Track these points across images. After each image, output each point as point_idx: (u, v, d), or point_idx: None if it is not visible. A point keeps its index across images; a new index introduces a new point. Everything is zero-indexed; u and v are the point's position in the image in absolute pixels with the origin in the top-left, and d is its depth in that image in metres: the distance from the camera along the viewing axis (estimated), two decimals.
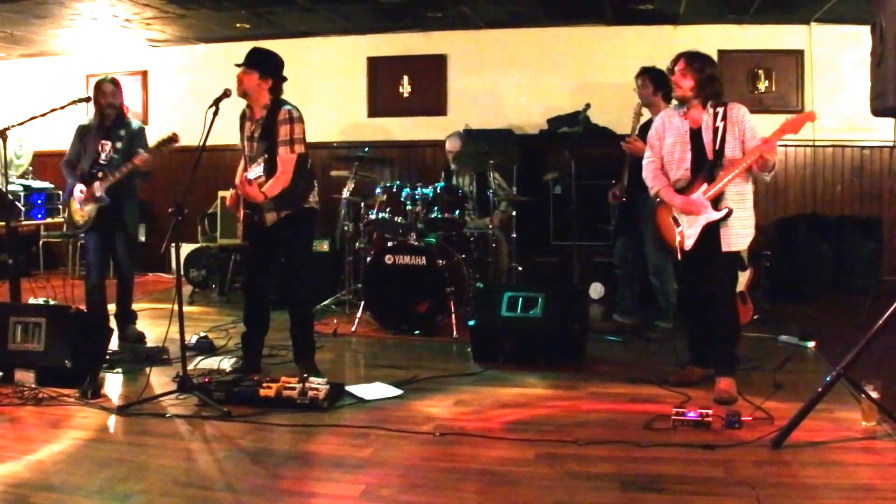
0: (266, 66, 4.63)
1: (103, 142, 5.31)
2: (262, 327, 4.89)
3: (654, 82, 5.64)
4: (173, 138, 5.14)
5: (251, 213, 4.69)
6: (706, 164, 4.21)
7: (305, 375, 4.40)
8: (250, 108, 4.71)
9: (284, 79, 4.73)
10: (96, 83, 5.40)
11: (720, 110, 4.22)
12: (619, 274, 6.22)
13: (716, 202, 4.18)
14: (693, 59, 4.24)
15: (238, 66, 4.60)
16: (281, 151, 4.55)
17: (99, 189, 5.19)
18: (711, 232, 4.21)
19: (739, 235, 4.23)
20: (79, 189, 5.27)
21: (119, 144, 5.32)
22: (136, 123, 5.51)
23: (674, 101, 4.50)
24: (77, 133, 5.46)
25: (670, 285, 5.60)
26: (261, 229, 4.71)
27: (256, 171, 4.39)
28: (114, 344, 5.11)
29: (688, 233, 4.26)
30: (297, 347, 4.86)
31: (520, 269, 6.73)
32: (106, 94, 5.34)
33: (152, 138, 5.32)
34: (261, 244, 4.81)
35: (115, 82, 5.40)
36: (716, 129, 4.20)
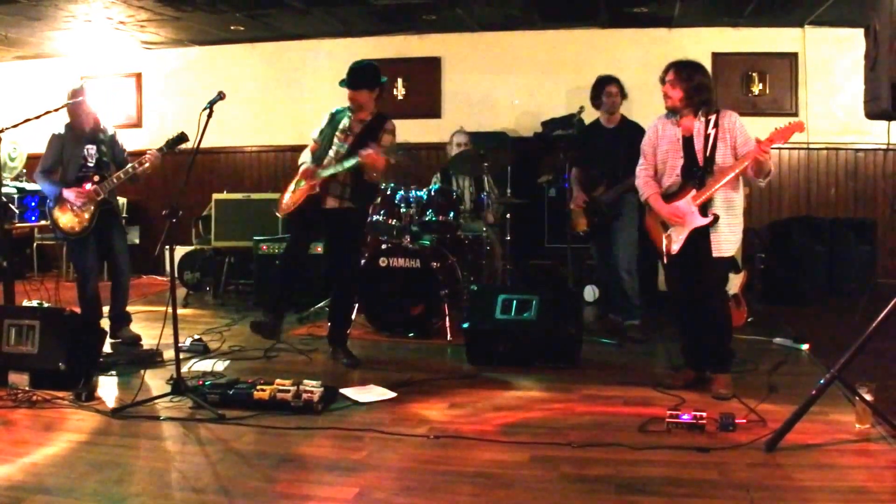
0: (373, 81, 4.98)
1: (88, 147, 5.38)
2: (294, 280, 5.12)
3: (622, 92, 6.02)
4: (182, 137, 5.23)
5: (320, 190, 4.94)
6: (696, 171, 4.23)
7: (344, 361, 5.02)
8: (353, 111, 5.02)
9: (384, 83, 5.14)
10: (73, 91, 5.35)
11: (712, 118, 4.24)
12: (603, 277, 6.27)
13: (703, 208, 4.20)
14: (681, 69, 4.26)
15: (350, 88, 4.92)
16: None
17: (102, 190, 5.27)
18: (699, 237, 4.23)
19: (729, 242, 4.25)
20: (74, 194, 5.26)
21: (104, 148, 5.41)
22: (109, 128, 5.60)
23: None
24: (54, 142, 5.41)
25: (636, 282, 5.79)
26: (315, 208, 4.95)
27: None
28: (107, 346, 5.11)
29: (674, 237, 4.28)
30: (335, 329, 5.22)
31: (514, 271, 6.72)
32: (86, 102, 5.38)
33: (149, 141, 5.32)
34: (312, 220, 5.04)
35: (83, 90, 5.41)
36: (707, 137, 4.22)
